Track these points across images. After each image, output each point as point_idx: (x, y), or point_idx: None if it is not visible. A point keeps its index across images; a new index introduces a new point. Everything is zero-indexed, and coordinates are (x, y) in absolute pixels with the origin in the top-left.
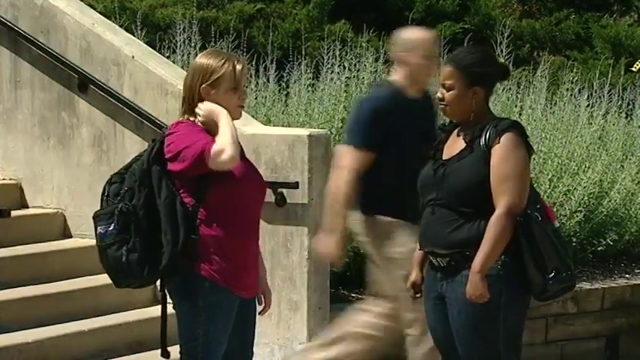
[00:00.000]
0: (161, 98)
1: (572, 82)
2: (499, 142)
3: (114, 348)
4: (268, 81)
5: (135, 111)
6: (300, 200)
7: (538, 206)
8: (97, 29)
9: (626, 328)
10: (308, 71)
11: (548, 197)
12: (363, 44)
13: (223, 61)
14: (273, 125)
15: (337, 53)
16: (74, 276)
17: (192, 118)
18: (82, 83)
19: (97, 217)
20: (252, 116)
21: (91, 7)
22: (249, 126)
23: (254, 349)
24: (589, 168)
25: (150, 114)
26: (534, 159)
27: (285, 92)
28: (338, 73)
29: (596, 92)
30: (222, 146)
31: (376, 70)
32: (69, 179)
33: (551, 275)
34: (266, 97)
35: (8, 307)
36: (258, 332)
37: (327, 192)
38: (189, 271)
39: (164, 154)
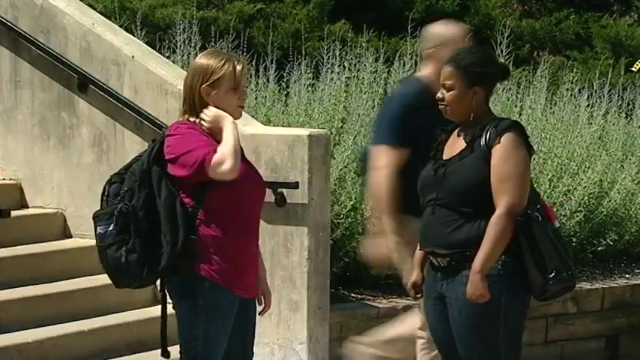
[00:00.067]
0: (161, 98)
1: (572, 82)
2: (499, 142)
3: (114, 348)
4: (268, 81)
5: (135, 111)
6: (300, 200)
7: (538, 206)
8: (97, 29)
9: (626, 328)
10: (308, 71)
11: (548, 197)
12: (363, 44)
13: (223, 61)
14: (273, 125)
15: (337, 53)
16: (74, 276)
17: (192, 119)
18: (82, 83)
19: (96, 218)
20: (252, 116)
21: (91, 7)
22: (249, 126)
23: (254, 349)
24: (589, 168)
25: (150, 114)
26: (534, 159)
27: (285, 92)
28: (338, 73)
29: (596, 92)
30: (223, 157)
31: (376, 70)
32: (69, 179)
33: (551, 275)
34: (266, 97)
35: (8, 307)
36: (258, 332)
37: (369, 195)
38: (189, 272)
39: (164, 155)
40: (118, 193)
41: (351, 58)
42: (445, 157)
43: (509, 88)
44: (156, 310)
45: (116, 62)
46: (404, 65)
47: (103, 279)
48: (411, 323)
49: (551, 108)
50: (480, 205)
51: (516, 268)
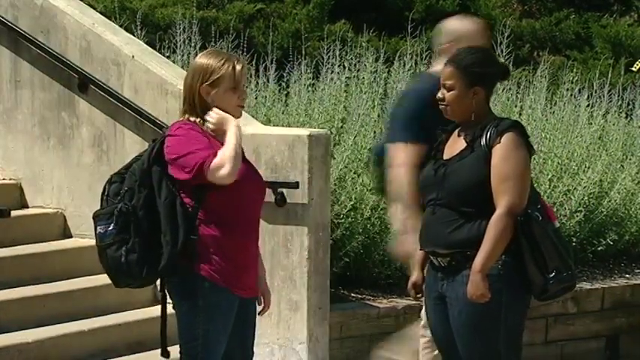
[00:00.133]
0: (161, 98)
1: (572, 82)
2: (500, 142)
3: (114, 348)
4: (268, 81)
5: (135, 111)
6: (300, 200)
7: (539, 206)
8: (97, 29)
9: (626, 328)
10: (308, 71)
11: (548, 197)
12: (363, 44)
13: (223, 61)
14: (273, 125)
15: (337, 53)
16: (74, 276)
17: (192, 118)
18: (82, 83)
19: (96, 217)
20: (252, 116)
21: (91, 7)
22: (249, 126)
23: (254, 349)
24: (589, 168)
25: (150, 114)
26: (534, 159)
27: (285, 92)
28: (338, 73)
29: (596, 92)
30: (222, 161)
31: (376, 70)
32: (69, 179)
33: (551, 275)
34: (266, 97)
35: (8, 307)
36: (258, 332)
37: (389, 193)
38: (188, 272)
39: (164, 155)
40: (118, 193)
41: (351, 58)
42: (445, 157)
43: (509, 88)
44: (156, 310)
45: (116, 62)
46: (404, 65)
47: (103, 279)
48: None
49: (551, 108)
50: (481, 205)
51: (516, 268)
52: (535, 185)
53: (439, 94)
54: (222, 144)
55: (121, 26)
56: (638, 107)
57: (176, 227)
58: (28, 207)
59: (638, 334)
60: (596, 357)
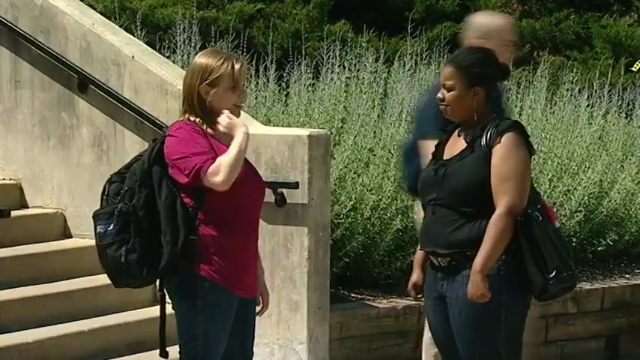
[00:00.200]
0: (161, 98)
1: (572, 82)
2: (500, 142)
3: (114, 348)
4: (268, 81)
5: (135, 111)
6: (300, 200)
7: (539, 206)
8: (97, 29)
9: (626, 328)
10: (308, 71)
11: (548, 197)
12: (363, 44)
13: (222, 60)
14: (273, 125)
15: (337, 53)
16: (74, 276)
17: (192, 118)
18: (82, 83)
19: (96, 217)
20: (252, 116)
21: (91, 7)
22: (249, 126)
23: (254, 349)
24: (589, 168)
25: (150, 114)
26: (534, 159)
27: (285, 92)
28: (338, 73)
29: (596, 92)
30: (219, 168)
31: (376, 70)
32: (69, 179)
33: (551, 275)
34: (266, 97)
35: (8, 307)
36: (258, 332)
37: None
38: (188, 272)
39: (165, 155)
40: (119, 193)
41: (351, 58)
42: (445, 157)
43: (509, 88)
44: (156, 310)
45: (116, 62)
46: (404, 65)
47: (103, 279)
48: None
49: (551, 108)
50: (481, 205)
51: (517, 268)
52: (535, 185)
53: (439, 94)
54: (227, 146)
55: (120, 26)
56: (638, 107)
57: (176, 227)
58: (28, 207)
59: (638, 334)
60: (596, 357)
